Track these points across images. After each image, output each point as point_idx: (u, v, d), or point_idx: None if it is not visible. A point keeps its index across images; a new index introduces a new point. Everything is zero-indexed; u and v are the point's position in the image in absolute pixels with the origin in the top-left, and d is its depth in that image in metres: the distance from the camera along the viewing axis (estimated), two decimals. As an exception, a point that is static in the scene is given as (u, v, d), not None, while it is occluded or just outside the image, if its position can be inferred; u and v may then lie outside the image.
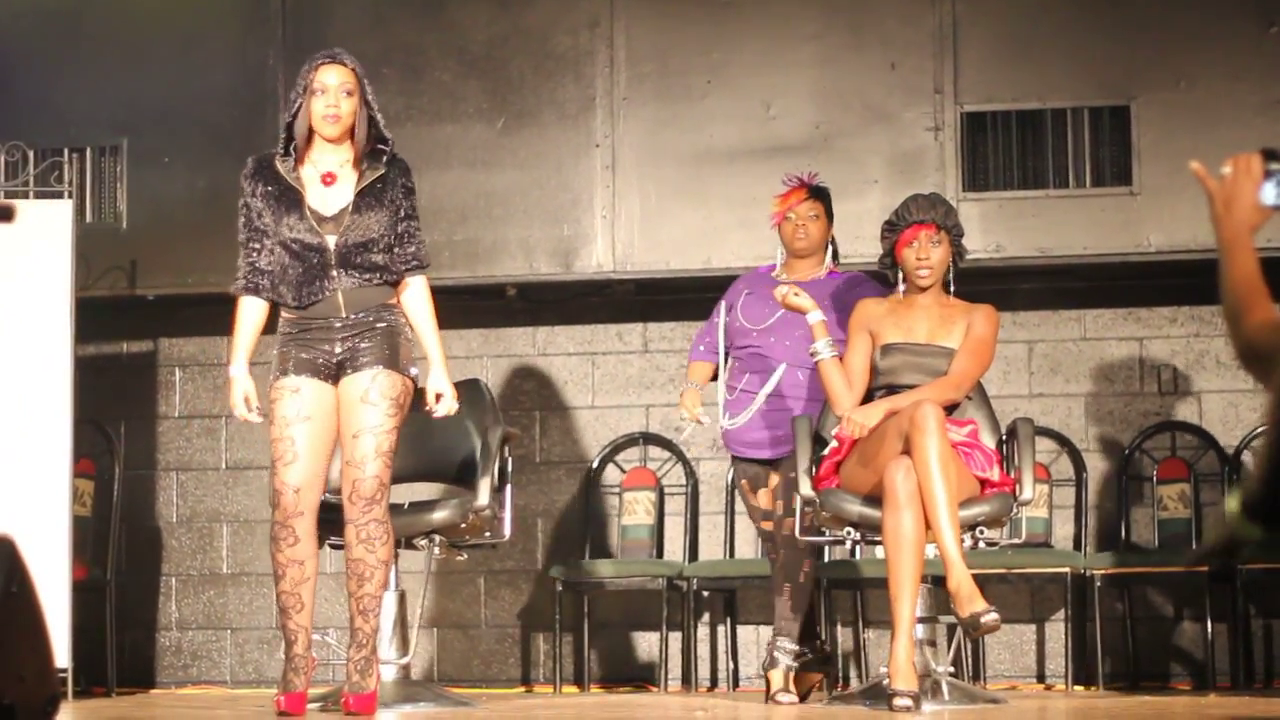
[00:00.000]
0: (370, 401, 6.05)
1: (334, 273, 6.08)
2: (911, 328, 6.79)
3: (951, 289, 6.90)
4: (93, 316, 8.38)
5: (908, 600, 6.27)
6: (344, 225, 6.08)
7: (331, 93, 6.09)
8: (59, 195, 8.06)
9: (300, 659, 6.07)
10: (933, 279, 6.79)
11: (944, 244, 6.80)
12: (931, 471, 6.23)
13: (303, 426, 6.04)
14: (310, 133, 6.14)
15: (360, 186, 6.12)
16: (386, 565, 6.08)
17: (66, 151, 8.36)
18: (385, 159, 6.19)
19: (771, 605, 7.23)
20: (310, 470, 6.03)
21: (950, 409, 6.71)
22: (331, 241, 6.07)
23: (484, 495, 6.63)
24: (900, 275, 6.85)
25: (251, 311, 6.18)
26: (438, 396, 6.30)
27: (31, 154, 8.17)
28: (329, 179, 6.13)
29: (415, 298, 6.25)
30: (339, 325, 6.09)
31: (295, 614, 6.05)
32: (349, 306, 6.09)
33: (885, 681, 6.36)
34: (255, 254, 6.16)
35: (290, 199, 6.10)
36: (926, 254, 6.76)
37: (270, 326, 6.27)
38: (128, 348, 9.17)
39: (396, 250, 6.18)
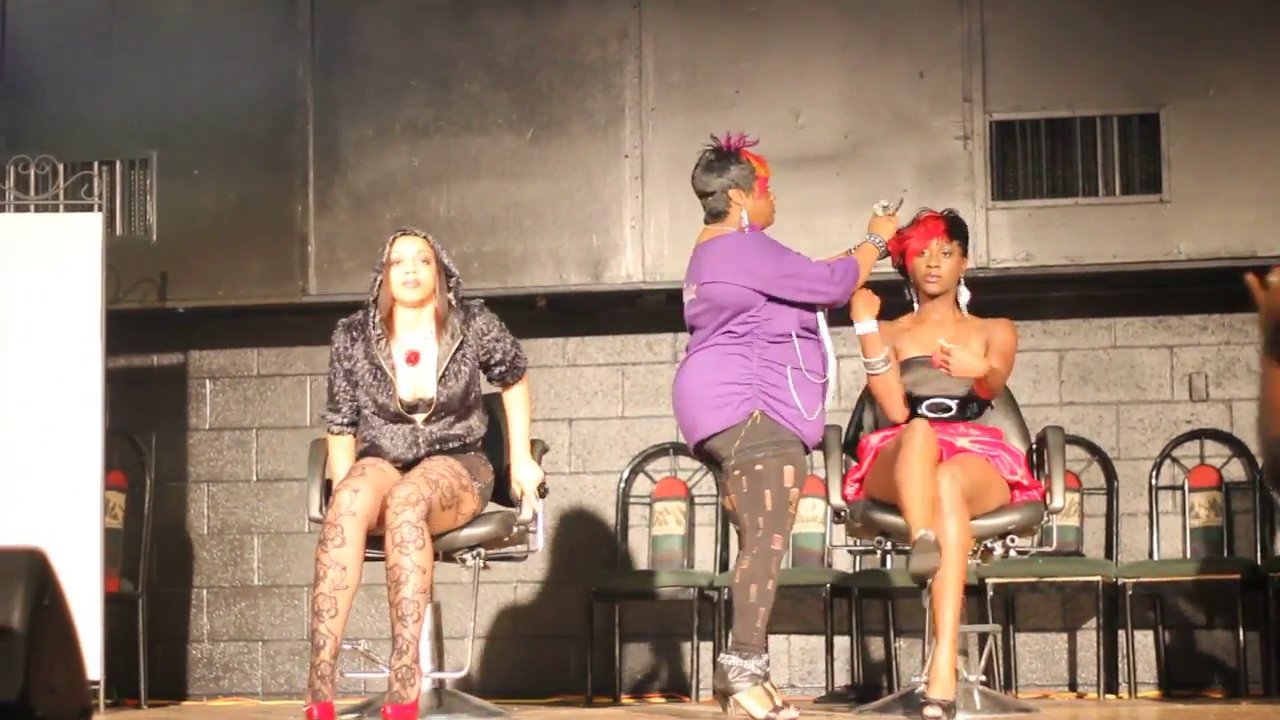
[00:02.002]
0: (431, 460, 6.38)
1: (421, 440, 6.42)
2: (929, 343, 6.79)
3: (965, 308, 6.87)
4: (123, 329, 8.40)
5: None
6: (432, 408, 6.40)
7: (408, 261, 6.40)
8: (89, 208, 8.07)
9: (327, 665, 6.02)
10: (941, 286, 6.78)
11: (954, 255, 6.79)
12: (947, 571, 6.23)
13: (375, 465, 6.32)
14: (392, 304, 6.41)
15: (442, 368, 6.40)
16: (422, 571, 6.05)
17: (96, 164, 8.38)
18: (462, 319, 6.45)
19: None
20: (372, 487, 6.18)
21: (977, 414, 6.71)
22: (419, 419, 6.42)
23: (528, 509, 6.65)
24: (914, 293, 6.87)
25: (349, 447, 6.54)
26: (540, 485, 6.63)
27: (61, 167, 8.19)
28: (413, 359, 6.42)
29: (517, 396, 6.67)
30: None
31: (329, 618, 6.01)
32: (431, 452, 6.45)
33: (919, 690, 6.35)
34: (351, 399, 6.50)
35: (382, 385, 6.40)
36: (937, 262, 6.77)
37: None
38: (158, 360, 9.19)
39: (501, 376, 6.59)
